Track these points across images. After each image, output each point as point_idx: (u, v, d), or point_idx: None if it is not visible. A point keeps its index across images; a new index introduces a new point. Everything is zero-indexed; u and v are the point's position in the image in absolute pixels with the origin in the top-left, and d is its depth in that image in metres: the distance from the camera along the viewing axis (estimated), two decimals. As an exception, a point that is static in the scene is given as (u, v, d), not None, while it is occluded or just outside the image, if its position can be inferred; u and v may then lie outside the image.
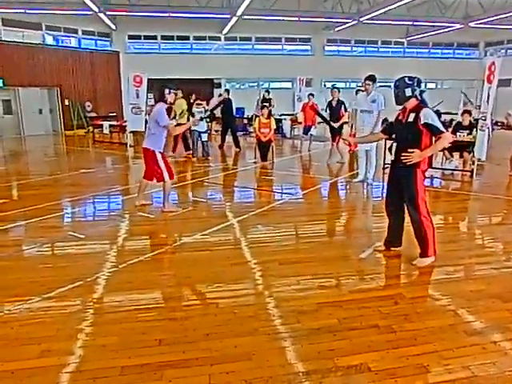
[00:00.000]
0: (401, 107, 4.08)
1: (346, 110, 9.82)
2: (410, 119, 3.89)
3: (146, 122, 11.39)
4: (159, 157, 5.53)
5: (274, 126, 10.04)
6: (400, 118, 4.08)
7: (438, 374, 2.46)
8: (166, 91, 5.44)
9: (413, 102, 3.91)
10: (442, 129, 3.81)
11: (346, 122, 9.37)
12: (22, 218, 5.59)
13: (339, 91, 10.01)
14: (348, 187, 7.64)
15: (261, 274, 3.90)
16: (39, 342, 2.80)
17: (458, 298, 3.39)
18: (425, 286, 3.66)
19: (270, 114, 10.11)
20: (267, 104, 11.25)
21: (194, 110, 10.13)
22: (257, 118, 10.33)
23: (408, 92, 3.89)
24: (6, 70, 15.55)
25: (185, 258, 4.34)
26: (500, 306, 3.27)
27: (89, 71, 18.49)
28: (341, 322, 3.04)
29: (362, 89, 10.76)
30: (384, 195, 4.50)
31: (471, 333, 2.90)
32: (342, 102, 9.86)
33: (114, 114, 17.84)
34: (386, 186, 4.44)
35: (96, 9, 15.34)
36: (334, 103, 9.78)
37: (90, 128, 15.93)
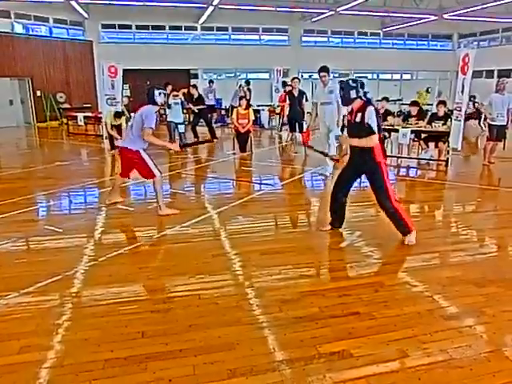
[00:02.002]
0: (349, 109, 4.34)
1: (306, 100, 9.88)
2: (358, 119, 4.16)
3: (122, 113, 11.23)
4: (145, 155, 5.22)
5: (252, 116, 10.02)
6: (349, 118, 4.35)
7: (417, 358, 2.53)
8: (156, 93, 5.07)
9: (358, 103, 4.16)
10: (374, 130, 4.07)
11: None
12: (-5, 212, 5.43)
13: (300, 81, 10.09)
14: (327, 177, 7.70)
15: (242, 264, 3.91)
16: (18, 337, 2.75)
17: (434, 284, 3.49)
18: (403, 274, 3.74)
19: (248, 105, 10.08)
20: (245, 95, 11.20)
21: (171, 101, 9.98)
22: (235, 109, 10.29)
23: (353, 94, 4.13)
24: (-27, 59, 14.99)
25: (165, 251, 4.32)
26: (475, 291, 3.37)
27: (61, 61, 17.97)
28: (322, 310, 3.09)
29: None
30: (336, 187, 4.62)
31: (448, 317, 2.99)
32: (304, 93, 9.92)
33: (89, 106, 17.43)
34: (338, 177, 4.61)
35: (68, -4, 14.92)
36: (295, 93, 9.81)
37: (64, 120, 15.53)
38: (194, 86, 12.30)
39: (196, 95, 11.53)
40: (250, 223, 5.09)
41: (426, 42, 24.48)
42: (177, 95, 10.20)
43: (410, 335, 2.76)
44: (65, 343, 2.72)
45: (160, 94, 5.11)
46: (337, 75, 21.91)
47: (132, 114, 5.25)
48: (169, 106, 9.80)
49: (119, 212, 5.48)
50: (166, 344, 2.71)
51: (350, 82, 4.18)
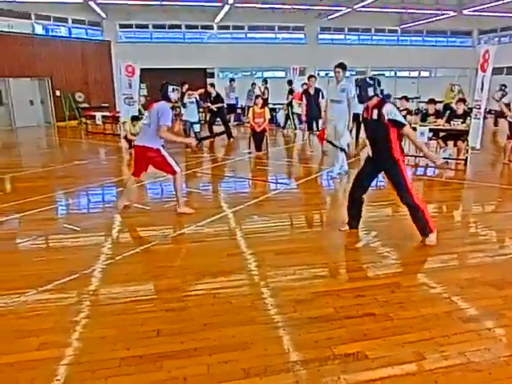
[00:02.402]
0: (364, 106, 4.33)
1: (322, 98, 9.76)
2: (375, 116, 4.17)
3: (140, 113, 11.35)
4: (165, 153, 5.18)
5: (268, 115, 10.00)
6: (365, 116, 4.33)
7: (434, 361, 2.50)
8: (170, 89, 5.01)
9: (375, 100, 4.18)
10: (404, 121, 4.14)
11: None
12: (15, 210, 5.55)
13: (316, 79, 9.96)
14: (344, 176, 7.64)
15: (257, 264, 3.91)
16: (37, 334, 2.80)
17: (452, 285, 3.43)
18: (420, 275, 3.69)
19: (264, 104, 10.06)
20: (262, 93, 11.18)
21: (186, 100, 10.02)
22: (250, 108, 10.29)
23: (370, 92, 4.15)
24: (-5, 60, 15.32)
25: (181, 250, 4.35)
26: (494, 293, 3.31)
27: (80, 61, 18.23)
28: (337, 310, 3.07)
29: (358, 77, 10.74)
30: (355, 185, 4.61)
31: (466, 320, 2.94)
32: (319, 90, 9.79)
33: (107, 105, 17.65)
34: (357, 176, 4.60)
35: (86, -3, 15.12)
36: (311, 91, 9.72)
37: (83, 119, 15.76)
38: (212, 85, 12.38)
39: (214, 94, 11.60)
40: (265, 223, 5.09)
41: (445, 39, 24.02)
42: (192, 94, 10.23)
43: (427, 337, 2.72)
44: (82, 340, 2.76)
45: (174, 90, 5.05)
46: (354, 73, 21.76)
47: (145, 112, 5.20)
48: (184, 105, 9.85)
49: (136, 211, 5.54)
50: (181, 343, 2.74)
51: (367, 79, 4.20)
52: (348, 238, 4.57)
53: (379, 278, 3.60)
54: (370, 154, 4.39)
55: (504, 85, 14.55)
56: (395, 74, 23.73)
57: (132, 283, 3.53)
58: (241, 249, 4.30)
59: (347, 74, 7.34)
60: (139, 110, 12.41)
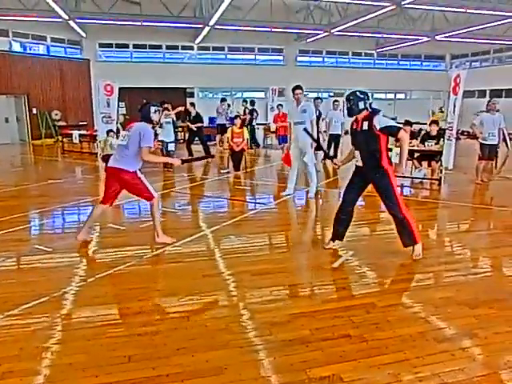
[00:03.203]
0: (353, 118, 4.48)
1: (323, 120, 9.93)
2: (365, 127, 4.28)
3: (118, 131, 11.25)
4: (141, 176, 4.82)
5: (246, 135, 10.07)
6: (354, 127, 4.45)
7: (408, 382, 2.48)
8: (152, 110, 4.71)
9: (364, 113, 4.32)
10: (399, 126, 4.32)
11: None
12: (-15, 231, 5.37)
13: (322, 101, 10.10)
14: (320, 196, 7.69)
15: (233, 285, 3.86)
16: (1, 362, 2.67)
17: (427, 305, 3.45)
18: (396, 295, 3.70)
19: (242, 124, 10.14)
20: (241, 115, 11.27)
21: (162, 119, 9.88)
22: (229, 128, 10.34)
23: (361, 105, 4.29)
24: (-30, 77, 15.06)
25: (156, 271, 4.27)
26: (467, 312, 3.34)
27: (58, 79, 18.10)
28: (313, 332, 3.04)
29: (337, 99, 10.96)
30: (345, 197, 4.68)
31: (440, 340, 2.94)
32: (321, 113, 9.97)
33: (85, 123, 17.48)
34: (346, 188, 4.67)
35: (66, 16, 15.07)
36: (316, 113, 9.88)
37: (59, 137, 15.54)
38: (192, 104, 12.44)
39: (194, 113, 11.64)
40: (243, 243, 5.05)
41: (419, 63, 24.85)
42: (169, 114, 10.15)
43: (402, 358, 2.71)
44: (49, 368, 2.65)
45: (156, 111, 4.78)
46: (332, 94, 22.21)
47: (123, 132, 4.90)
48: (160, 125, 9.79)
49: (111, 231, 5.43)
50: (152, 369, 2.65)
51: (358, 93, 4.33)
52: (325, 257, 4.56)
53: (355, 299, 3.60)
54: (360, 165, 4.44)
55: (482, 111, 15.00)
56: (372, 95, 24.24)
57: (104, 306, 3.43)
58: (217, 270, 4.25)
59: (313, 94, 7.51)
60: (117, 129, 12.33)
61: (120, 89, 12.23)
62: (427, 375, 2.55)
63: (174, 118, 10.13)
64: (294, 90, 7.23)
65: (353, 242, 5.00)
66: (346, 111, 4.53)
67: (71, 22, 16.45)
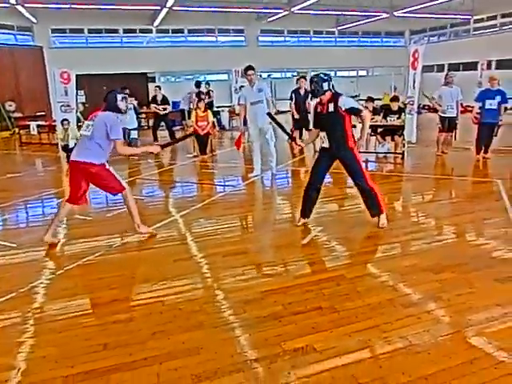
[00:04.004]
0: (316, 101, 4.64)
1: (311, 100, 9.89)
2: (331, 109, 4.43)
3: (78, 120, 10.90)
4: (110, 167, 4.50)
5: (211, 118, 9.98)
6: (319, 110, 4.57)
7: (378, 347, 2.60)
8: (119, 98, 4.39)
9: (328, 94, 4.45)
10: (361, 108, 4.56)
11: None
12: None
13: (306, 80, 10.05)
14: (289, 175, 7.76)
15: (206, 267, 3.89)
16: (-29, 360, 2.61)
17: (394, 273, 3.59)
18: (364, 266, 3.82)
19: (206, 107, 10.03)
20: (204, 97, 11.13)
21: None
22: (193, 112, 10.21)
23: (325, 86, 4.42)
24: None
25: (127, 259, 4.22)
26: (432, 277, 3.49)
27: (9, 68, 17.19)
28: (286, 307, 3.11)
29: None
30: (313, 175, 4.80)
31: (407, 305, 3.08)
32: (309, 92, 9.87)
33: (43, 114, 16.79)
34: (314, 167, 4.79)
35: (13, 1, 14.31)
36: (301, 92, 9.86)
37: (16, 129, 14.90)
38: (159, 87, 12.19)
39: (160, 97, 11.45)
40: (213, 225, 5.06)
41: (379, 39, 25.11)
42: (130, 100, 9.82)
43: (372, 325, 2.83)
44: (22, 362, 2.61)
45: (123, 98, 4.46)
46: (295, 74, 22.20)
47: (86, 122, 4.62)
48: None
49: (77, 222, 5.31)
50: (129, 354, 2.66)
51: (322, 75, 4.45)
52: (295, 235, 4.64)
53: (325, 272, 3.70)
54: (327, 146, 4.56)
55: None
56: (335, 73, 24.48)
57: (75, 297, 3.38)
58: (189, 253, 4.25)
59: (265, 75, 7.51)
60: (78, 118, 11.95)
61: (78, 76, 11.79)
62: (395, 339, 2.67)
63: (135, 104, 9.86)
64: (246, 70, 7.19)
65: (321, 218, 5.11)
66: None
67: (19, 7, 15.63)
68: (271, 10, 18.96)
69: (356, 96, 19.77)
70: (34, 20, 18.14)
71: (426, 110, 16.64)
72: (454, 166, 8.23)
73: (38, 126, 13.37)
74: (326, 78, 4.42)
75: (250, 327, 2.88)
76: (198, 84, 14.21)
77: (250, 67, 7.16)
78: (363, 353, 2.55)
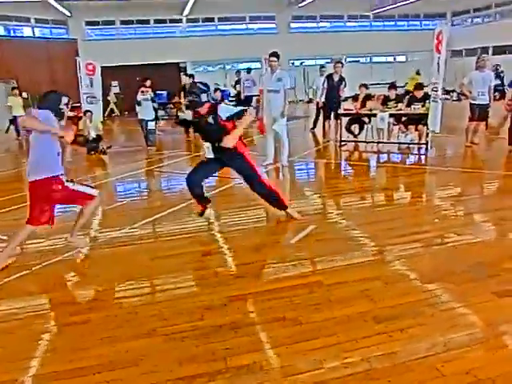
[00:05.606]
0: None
1: (345, 86, 9.54)
2: (211, 121, 4.10)
3: (113, 112, 10.88)
4: (68, 183, 3.77)
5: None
6: (203, 124, 4.21)
7: (332, 370, 2.28)
8: (64, 100, 3.77)
9: (206, 106, 4.14)
10: (240, 111, 4.18)
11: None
12: None
13: (342, 65, 9.69)
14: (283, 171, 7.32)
15: (179, 267, 3.65)
16: None
17: (378, 280, 3.21)
18: (346, 271, 3.41)
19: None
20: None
21: (140, 97, 9.46)
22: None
23: (204, 97, 4.13)
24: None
25: (103, 256, 4.06)
26: (420, 287, 3.10)
27: (46, 61, 17.72)
28: (247, 316, 2.85)
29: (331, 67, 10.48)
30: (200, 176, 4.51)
31: (381, 320, 2.71)
32: (344, 79, 9.54)
33: (78, 105, 17.16)
34: (196, 167, 4.51)
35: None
36: (335, 78, 9.48)
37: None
38: (192, 76, 12.05)
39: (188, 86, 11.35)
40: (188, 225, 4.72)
41: (418, 22, 23.79)
42: (146, 91, 9.63)
43: (334, 342, 2.51)
44: (-44, 366, 2.51)
45: (66, 104, 3.80)
46: (329, 61, 21.46)
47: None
48: (139, 103, 9.45)
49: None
50: (69, 361, 2.50)
51: (201, 85, 4.22)
52: (282, 233, 4.34)
53: (302, 277, 3.35)
54: (212, 157, 4.30)
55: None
56: (370, 59, 23.49)
57: (32, 297, 3.27)
58: (168, 251, 4.02)
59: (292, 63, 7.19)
60: (112, 110, 11.99)
61: (111, 67, 11.84)
62: (355, 360, 2.34)
63: (152, 95, 9.70)
64: (269, 56, 6.99)
65: (315, 216, 4.75)
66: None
67: (52, 1, 15.98)
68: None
69: (392, 83, 18.83)
70: (67, 13, 18.54)
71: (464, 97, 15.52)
72: (484, 158, 7.56)
73: (69, 117, 13.65)
74: (205, 88, 4.18)
75: (202, 337, 2.64)
76: (249, 70, 14.57)
77: (273, 53, 6.93)
78: (313, 375, 2.25)
